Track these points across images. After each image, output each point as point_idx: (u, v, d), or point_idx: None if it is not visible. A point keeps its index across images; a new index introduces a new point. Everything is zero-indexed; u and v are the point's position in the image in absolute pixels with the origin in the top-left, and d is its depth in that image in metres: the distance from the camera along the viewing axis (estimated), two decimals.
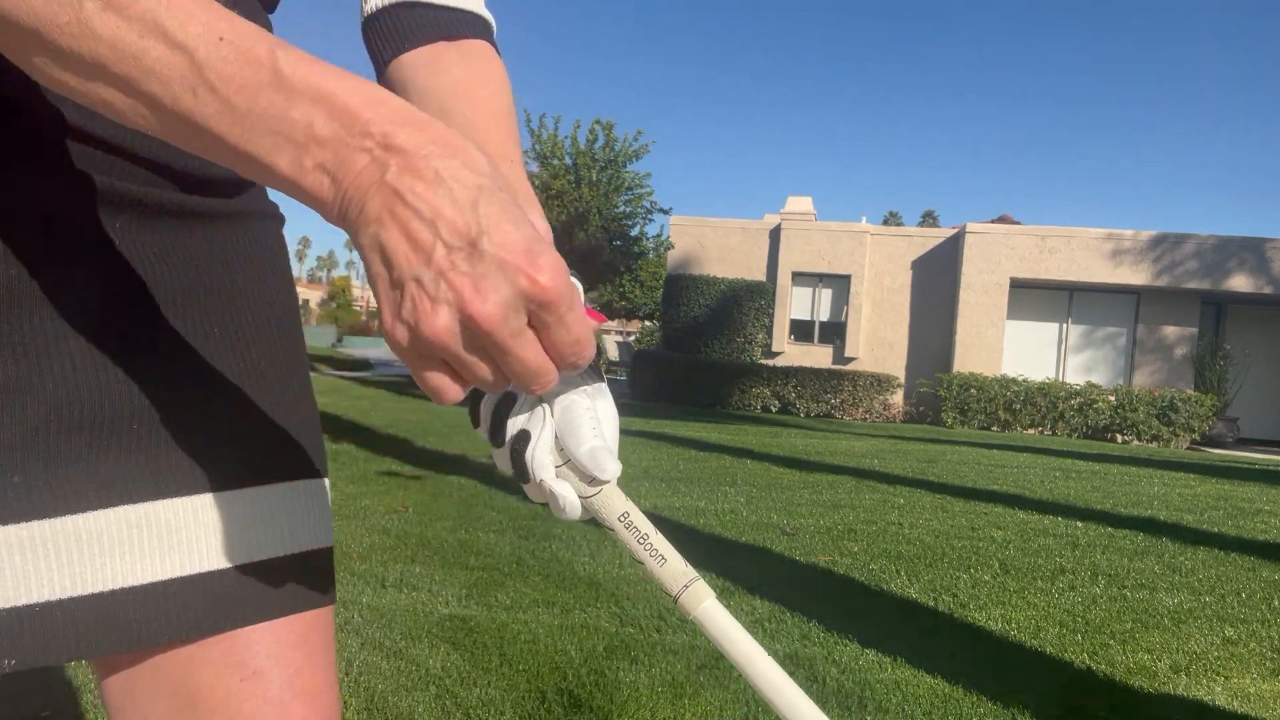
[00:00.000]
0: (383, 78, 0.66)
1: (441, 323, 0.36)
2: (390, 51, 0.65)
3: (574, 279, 0.43)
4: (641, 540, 0.50)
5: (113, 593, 0.48)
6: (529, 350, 0.38)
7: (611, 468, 0.48)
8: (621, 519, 0.50)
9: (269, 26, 0.61)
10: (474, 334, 0.36)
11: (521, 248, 0.36)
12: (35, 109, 0.45)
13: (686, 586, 0.50)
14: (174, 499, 0.50)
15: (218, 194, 0.55)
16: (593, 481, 0.49)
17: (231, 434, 0.54)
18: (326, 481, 0.60)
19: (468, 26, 0.66)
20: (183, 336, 0.52)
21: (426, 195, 0.36)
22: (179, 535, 0.50)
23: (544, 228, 0.43)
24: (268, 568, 0.54)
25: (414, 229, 0.35)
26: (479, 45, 0.67)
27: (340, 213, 0.37)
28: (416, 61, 0.64)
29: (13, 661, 0.46)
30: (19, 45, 0.36)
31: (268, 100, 0.36)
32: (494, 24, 0.70)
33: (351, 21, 0.69)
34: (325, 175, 0.37)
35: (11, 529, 0.46)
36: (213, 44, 0.35)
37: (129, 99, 0.36)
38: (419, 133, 0.36)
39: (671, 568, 0.50)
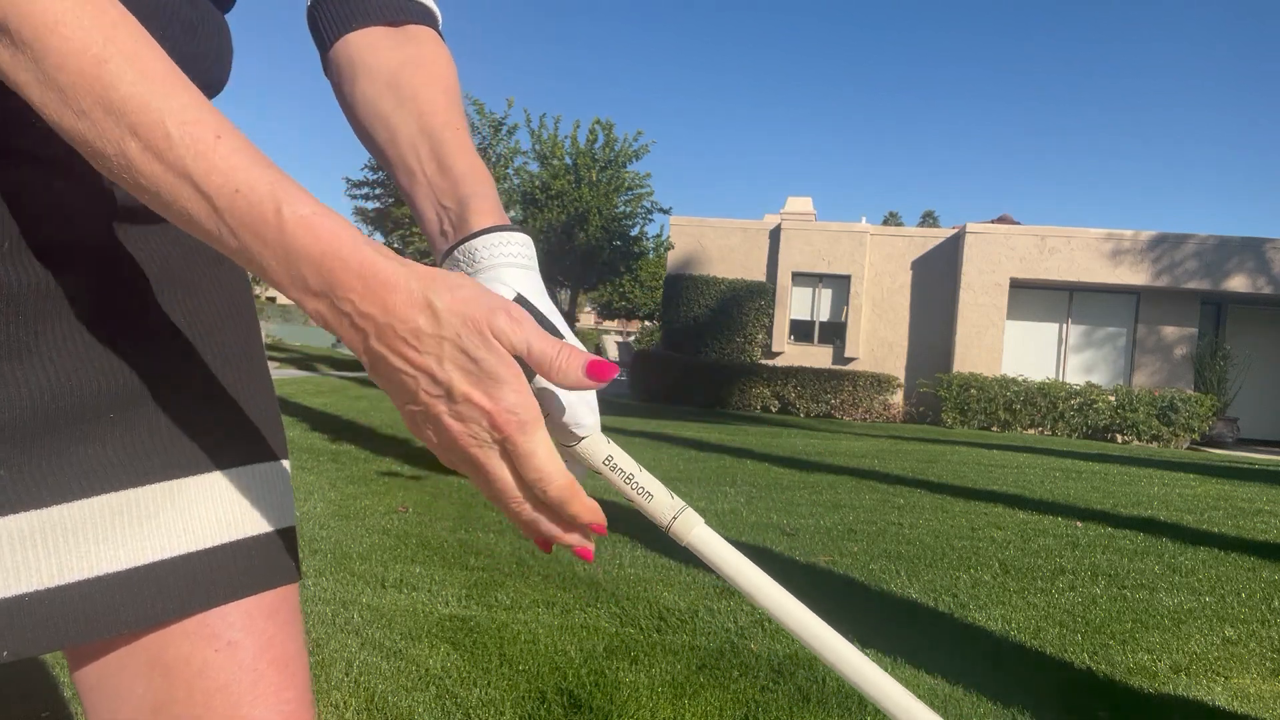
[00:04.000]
0: (327, 60, 0.67)
1: (435, 441, 0.48)
2: (335, 32, 0.66)
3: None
4: (628, 480, 0.53)
5: (98, 579, 0.50)
6: (497, 468, 0.48)
7: (589, 421, 0.53)
8: (606, 462, 0.53)
9: (223, 26, 0.62)
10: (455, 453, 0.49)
11: (484, 393, 0.46)
12: (13, 118, 0.46)
13: (675, 517, 0.53)
14: (151, 485, 0.52)
15: None
16: (573, 436, 0.53)
17: (201, 420, 0.56)
18: (288, 463, 0.62)
19: (413, 13, 0.68)
20: (153, 329, 0.54)
21: (405, 353, 0.45)
22: (156, 520, 0.52)
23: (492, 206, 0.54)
24: (241, 548, 0.56)
25: (402, 381, 0.46)
26: (424, 30, 0.68)
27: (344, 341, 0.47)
28: (361, 43, 0.65)
29: (5, 653, 0.47)
30: (89, 157, 0.43)
31: (271, 253, 0.44)
32: (439, 15, 0.71)
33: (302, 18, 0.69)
34: (322, 320, 0.46)
35: (1, 522, 0.47)
36: (229, 195, 0.43)
37: (178, 219, 0.44)
38: (380, 304, 0.45)
39: (659, 501, 0.53)
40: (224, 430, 0.56)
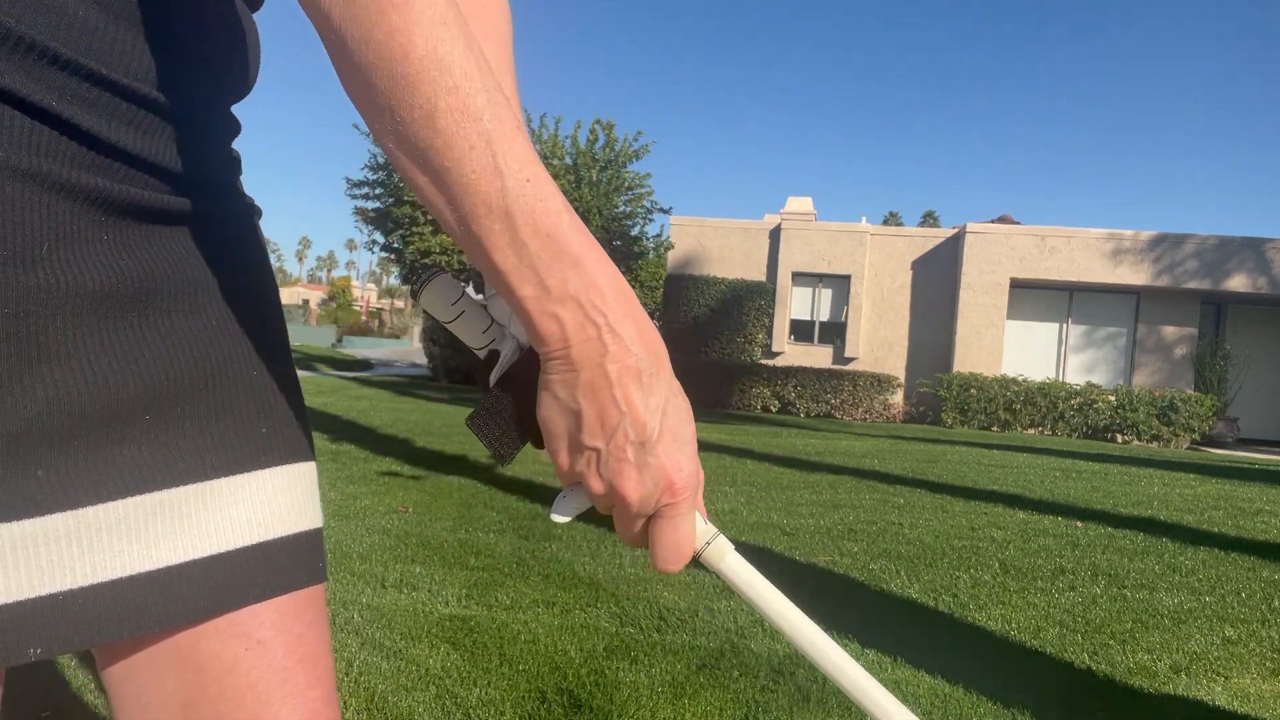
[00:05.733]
0: None
1: (600, 488, 0.49)
2: None
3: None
4: None
5: (130, 578, 0.50)
6: (641, 528, 0.51)
7: None
8: None
9: (253, 26, 0.62)
10: (616, 500, 0.50)
11: (674, 458, 0.48)
12: (44, 109, 0.46)
13: (708, 543, 0.53)
14: (185, 486, 0.53)
15: (210, 195, 0.57)
16: None
17: (234, 422, 0.56)
18: (314, 464, 0.63)
19: None
20: (188, 332, 0.54)
21: (629, 389, 0.47)
22: (189, 520, 0.53)
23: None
24: (271, 548, 0.56)
25: (609, 412, 0.47)
26: None
27: (555, 355, 0.47)
28: None
29: (39, 650, 0.48)
30: (369, 110, 0.44)
31: (541, 245, 0.45)
32: None
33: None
34: (557, 325, 0.46)
35: (38, 521, 0.48)
36: (521, 180, 0.44)
37: (434, 189, 0.45)
38: (635, 329, 0.47)
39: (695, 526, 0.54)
40: (255, 432, 0.57)
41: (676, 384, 0.50)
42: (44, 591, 0.48)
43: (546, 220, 0.45)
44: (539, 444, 0.53)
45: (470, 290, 0.58)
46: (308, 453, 0.61)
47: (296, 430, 0.60)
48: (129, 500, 0.50)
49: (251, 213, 0.63)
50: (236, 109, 0.62)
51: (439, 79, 0.43)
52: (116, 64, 0.48)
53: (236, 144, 0.62)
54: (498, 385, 0.54)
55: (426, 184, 0.45)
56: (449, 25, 0.43)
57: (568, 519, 0.55)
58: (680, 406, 0.49)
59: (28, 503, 0.47)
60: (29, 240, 0.45)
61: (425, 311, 0.58)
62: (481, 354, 0.56)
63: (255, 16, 0.63)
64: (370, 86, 0.43)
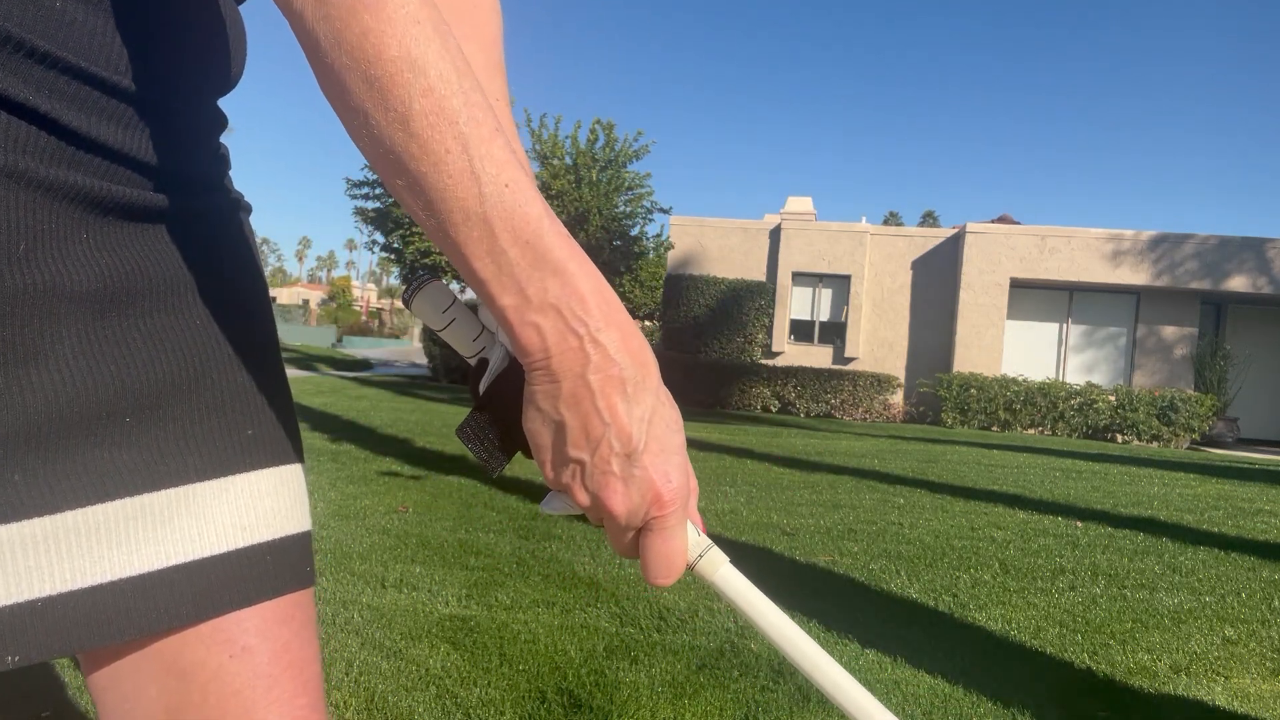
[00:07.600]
0: None
1: (586, 500, 0.49)
2: None
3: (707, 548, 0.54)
4: None
5: (111, 584, 0.49)
6: (630, 539, 0.50)
7: None
8: None
9: (238, 19, 0.61)
10: (603, 513, 0.49)
11: (662, 470, 0.47)
12: (21, 104, 0.45)
13: (701, 555, 0.53)
14: (167, 490, 0.51)
15: (195, 192, 0.56)
16: None
17: (218, 424, 0.54)
18: (302, 467, 0.61)
19: None
20: (170, 332, 0.53)
21: (612, 400, 0.46)
22: (172, 525, 0.51)
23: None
24: (256, 553, 0.55)
25: (592, 424, 0.46)
26: None
27: (537, 366, 0.46)
28: None
29: (16, 658, 0.47)
30: (345, 112, 0.43)
31: (520, 252, 0.44)
32: None
33: None
34: (537, 335, 0.45)
35: (14, 526, 0.47)
36: (499, 186, 0.43)
37: (411, 194, 0.43)
38: (620, 337, 0.46)
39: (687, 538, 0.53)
40: (241, 434, 0.55)
41: (665, 393, 0.48)
42: (22, 598, 0.47)
43: (526, 227, 0.44)
44: (529, 454, 0.52)
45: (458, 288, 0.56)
46: (296, 455, 0.60)
47: (284, 432, 0.59)
48: (109, 504, 0.49)
49: (239, 209, 0.62)
50: (232, 107, 0.61)
51: (413, 81, 0.41)
52: (97, 57, 0.47)
53: (233, 142, 0.61)
54: (485, 394, 0.53)
55: (404, 189, 0.44)
56: (423, 25, 0.42)
57: (557, 514, 0.54)
58: (668, 416, 0.48)
59: (4, 507, 0.46)
60: (5, 239, 0.44)
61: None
62: (473, 361, 0.55)
63: (246, 10, 0.62)
64: (344, 89, 0.42)
